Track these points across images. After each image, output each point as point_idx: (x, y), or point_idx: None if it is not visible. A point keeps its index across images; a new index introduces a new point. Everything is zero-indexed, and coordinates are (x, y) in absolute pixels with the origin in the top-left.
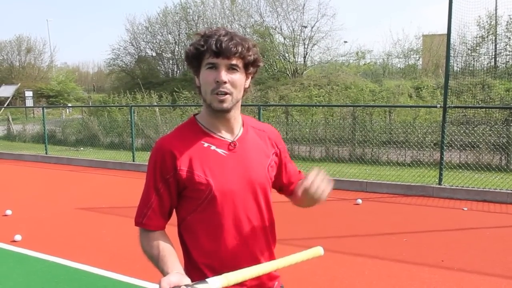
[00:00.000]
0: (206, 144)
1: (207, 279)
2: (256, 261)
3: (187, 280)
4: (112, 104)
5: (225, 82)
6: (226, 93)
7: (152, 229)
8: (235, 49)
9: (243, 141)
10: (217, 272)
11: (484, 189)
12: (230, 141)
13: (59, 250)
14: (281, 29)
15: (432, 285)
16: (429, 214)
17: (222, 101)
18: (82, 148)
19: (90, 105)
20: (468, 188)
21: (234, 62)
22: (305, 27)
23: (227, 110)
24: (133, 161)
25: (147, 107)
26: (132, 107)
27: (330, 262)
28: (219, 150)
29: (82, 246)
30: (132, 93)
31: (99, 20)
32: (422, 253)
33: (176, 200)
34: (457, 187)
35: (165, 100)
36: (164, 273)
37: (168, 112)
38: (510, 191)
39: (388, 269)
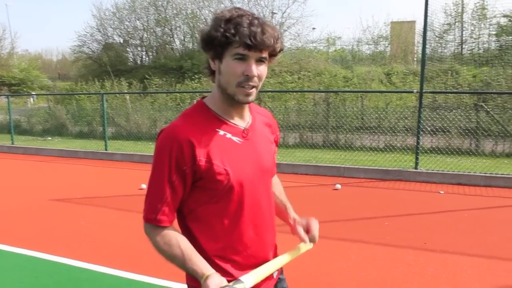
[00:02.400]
0: (222, 132)
1: (240, 278)
2: (267, 249)
3: (225, 280)
4: (82, 92)
5: (254, 76)
6: (253, 87)
7: (167, 225)
8: (268, 42)
9: (253, 129)
10: (231, 262)
11: (459, 173)
12: (243, 129)
13: (36, 243)
14: None
15: (418, 267)
16: (408, 198)
17: (248, 95)
18: (49, 138)
19: (59, 93)
20: (443, 172)
21: (264, 55)
22: (275, 13)
23: (249, 102)
24: (106, 150)
25: (117, 95)
26: (103, 95)
27: (316, 247)
28: (234, 138)
29: (60, 238)
30: (101, 80)
31: (62, 5)
32: (405, 236)
33: (188, 192)
34: (433, 171)
35: (135, 87)
36: (197, 274)
37: (139, 100)
38: (483, 174)
39: (374, 252)
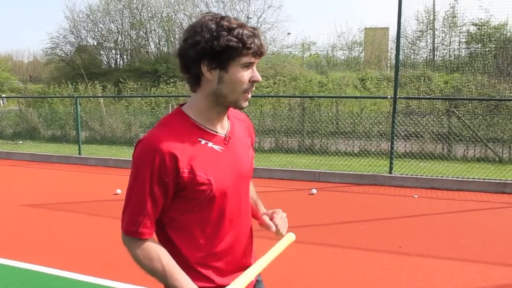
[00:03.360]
0: (203, 142)
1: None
2: (246, 252)
3: None
4: (55, 95)
5: (260, 81)
6: (251, 92)
7: (148, 237)
8: (266, 49)
9: (233, 135)
10: (213, 268)
11: (432, 177)
12: (224, 136)
13: (6, 250)
14: None
15: (393, 271)
16: (383, 202)
17: (248, 100)
18: (20, 142)
19: (31, 95)
20: (417, 176)
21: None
22: (250, 18)
23: (244, 108)
24: (79, 154)
25: (91, 99)
26: (77, 99)
27: (293, 252)
28: (216, 147)
29: (31, 245)
30: (74, 83)
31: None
32: (380, 240)
33: (168, 203)
34: (407, 176)
35: (109, 91)
36: None
37: (113, 104)
38: (456, 178)
39: (350, 257)
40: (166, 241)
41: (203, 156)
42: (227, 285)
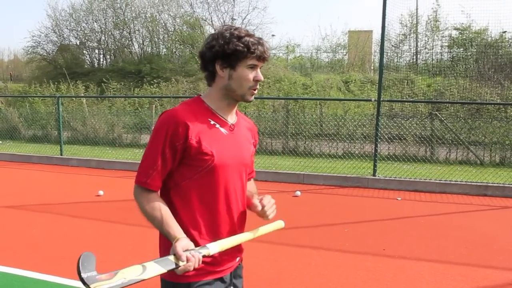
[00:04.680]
0: (212, 122)
1: (207, 245)
2: (235, 228)
3: (192, 245)
4: (37, 95)
5: (262, 80)
6: (256, 89)
7: (154, 189)
8: (269, 56)
9: (238, 126)
10: (204, 234)
11: (415, 180)
12: (230, 124)
13: None
14: (211, 21)
15: (377, 273)
16: (366, 205)
17: (253, 95)
18: (0, 142)
19: (11, 95)
20: (400, 179)
21: (263, 64)
22: (235, 19)
23: (251, 101)
24: (61, 155)
25: (73, 99)
26: (59, 98)
27: (276, 254)
28: (222, 129)
29: (10, 247)
30: (56, 83)
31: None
32: (364, 243)
33: (176, 166)
34: (390, 178)
35: (92, 91)
36: (170, 236)
37: (96, 104)
38: (438, 181)
39: (334, 259)
40: (169, 204)
41: (210, 132)
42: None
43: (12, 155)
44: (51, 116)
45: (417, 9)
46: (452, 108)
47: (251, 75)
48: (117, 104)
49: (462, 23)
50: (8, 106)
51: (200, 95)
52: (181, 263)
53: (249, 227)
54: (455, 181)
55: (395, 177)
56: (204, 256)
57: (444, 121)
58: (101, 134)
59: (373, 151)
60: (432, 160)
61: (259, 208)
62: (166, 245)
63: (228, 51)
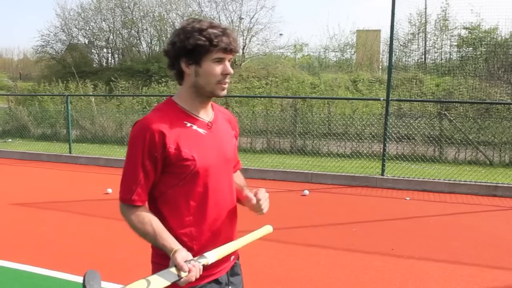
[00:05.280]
0: (188, 124)
1: (205, 254)
2: (228, 230)
3: (190, 255)
4: (46, 93)
5: (231, 74)
6: (227, 83)
7: (140, 205)
8: (238, 47)
9: (216, 123)
10: (195, 240)
11: (424, 179)
12: (208, 122)
13: None
14: (219, 20)
15: (386, 273)
16: (375, 204)
17: (224, 89)
18: (10, 140)
19: (21, 93)
20: (409, 179)
21: (232, 56)
22: (243, 18)
23: (223, 96)
24: (70, 153)
25: (82, 97)
26: (68, 97)
27: (285, 253)
28: (199, 130)
29: (21, 244)
30: (65, 82)
31: (24, 4)
32: (373, 242)
33: (158, 176)
34: (399, 178)
35: (101, 90)
36: (166, 248)
37: (104, 103)
38: (447, 181)
39: (342, 258)
40: (156, 213)
41: (187, 136)
42: (205, 252)
43: (23, 153)
44: (60, 115)
45: (425, 8)
46: (461, 107)
47: (218, 69)
48: (126, 103)
49: (472, 22)
50: (18, 105)
51: (172, 96)
52: (183, 274)
53: (238, 229)
54: (464, 181)
55: (404, 177)
56: (204, 266)
57: (453, 120)
58: (109, 132)
59: (381, 150)
60: (441, 160)
61: (254, 201)
62: (158, 258)
63: (189, 47)
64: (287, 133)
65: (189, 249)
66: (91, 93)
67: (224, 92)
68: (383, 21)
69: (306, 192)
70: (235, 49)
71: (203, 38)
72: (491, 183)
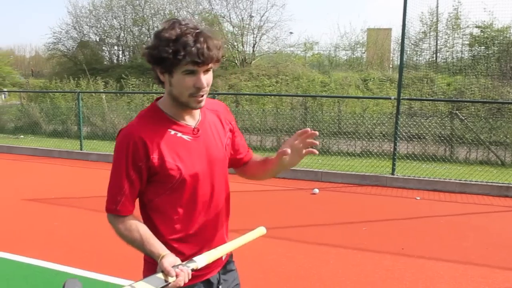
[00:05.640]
0: (172, 132)
1: (194, 258)
2: (219, 234)
3: (179, 260)
4: (57, 90)
5: (204, 87)
6: (203, 95)
7: (126, 215)
8: (213, 55)
9: (203, 125)
10: (185, 244)
11: (434, 179)
12: (193, 127)
13: (8, 245)
14: (230, 18)
15: (396, 272)
16: (385, 203)
17: (200, 102)
18: (22, 136)
19: (33, 90)
20: (419, 178)
21: (210, 66)
22: (252, 16)
23: (201, 107)
24: (81, 149)
25: (93, 94)
26: (79, 94)
27: (294, 252)
28: (184, 137)
29: (33, 240)
30: (76, 79)
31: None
32: (383, 242)
33: (145, 185)
34: (409, 177)
35: (111, 87)
36: (154, 254)
37: (114, 100)
38: (458, 181)
39: (352, 257)
40: (146, 220)
41: (172, 144)
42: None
43: (34, 149)
44: (71, 112)
45: (437, 6)
46: (473, 107)
47: (189, 81)
48: (136, 100)
49: (484, 21)
50: (30, 102)
51: (157, 101)
52: (170, 279)
53: (231, 230)
54: (475, 181)
55: (414, 176)
56: (192, 270)
57: (465, 120)
58: (120, 129)
59: (391, 149)
60: (452, 160)
61: (289, 151)
62: (149, 265)
63: (156, 57)
64: (297, 131)
65: (180, 255)
66: (102, 90)
67: (201, 104)
68: (394, 20)
69: (316, 190)
70: (208, 59)
71: (169, 51)
72: (502, 183)
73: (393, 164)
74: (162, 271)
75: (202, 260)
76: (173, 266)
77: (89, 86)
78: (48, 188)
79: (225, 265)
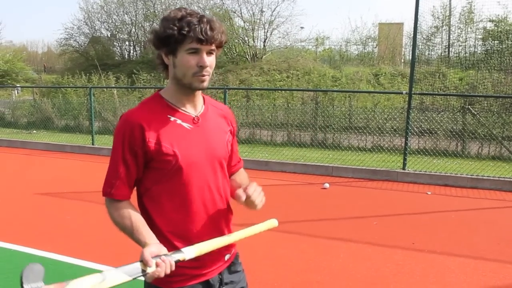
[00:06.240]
0: (172, 118)
1: (182, 249)
2: (216, 228)
3: (165, 250)
4: (70, 85)
5: (207, 66)
6: (206, 75)
7: (120, 199)
8: (217, 36)
9: (205, 117)
10: (181, 238)
11: (446, 174)
12: (194, 116)
13: (21, 238)
14: (241, 13)
15: (406, 267)
16: (395, 198)
17: (203, 81)
18: (34, 131)
19: (45, 85)
20: (430, 173)
21: (213, 47)
22: (263, 11)
23: (204, 88)
24: (93, 144)
25: (104, 89)
26: (91, 89)
27: (305, 246)
28: (184, 124)
29: (46, 233)
30: (88, 74)
31: None
32: (393, 236)
33: (142, 171)
34: (420, 172)
35: (123, 82)
36: (141, 243)
37: (126, 95)
38: (470, 176)
39: (363, 252)
40: (143, 211)
41: (170, 130)
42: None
43: (47, 144)
44: (83, 107)
45: (450, 0)
46: (485, 102)
47: (193, 60)
48: (147, 95)
49: (498, 15)
50: (42, 97)
51: (160, 91)
52: (149, 269)
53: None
54: (487, 176)
55: (425, 171)
56: (178, 261)
57: (477, 115)
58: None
59: (402, 144)
60: (464, 155)
61: (243, 198)
62: None
63: (162, 37)
64: (308, 126)
65: (174, 247)
66: (113, 86)
67: (204, 84)
68: (406, 14)
69: (327, 185)
70: (211, 39)
71: (175, 28)
72: None
73: (404, 159)
74: (141, 261)
75: (190, 251)
76: (155, 256)
77: (101, 81)
78: (61, 182)
79: (230, 266)
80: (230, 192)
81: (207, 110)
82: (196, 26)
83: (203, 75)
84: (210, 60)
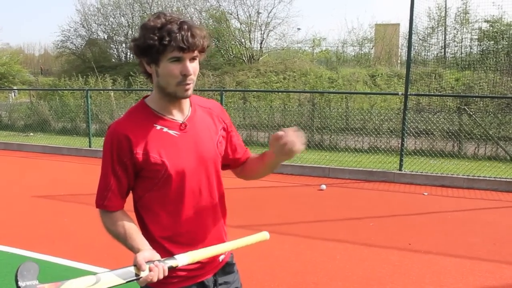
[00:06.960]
0: (158, 127)
1: (175, 256)
2: (209, 232)
3: (158, 256)
4: (66, 88)
5: (191, 74)
6: (190, 83)
7: (114, 210)
8: (198, 42)
9: (192, 121)
10: (175, 244)
11: (442, 175)
12: (181, 122)
13: (18, 240)
14: (237, 14)
15: (403, 267)
16: (392, 199)
17: (187, 90)
18: (31, 134)
19: (42, 88)
20: (427, 174)
21: (195, 54)
22: (260, 13)
23: (188, 97)
24: (90, 147)
25: (101, 92)
26: (88, 91)
27: (302, 247)
28: (171, 132)
29: (43, 236)
30: (84, 76)
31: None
32: (390, 237)
33: (133, 181)
34: (417, 173)
35: (120, 84)
36: (134, 249)
37: (123, 97)
38: (466, 177)
39: (359, 253)
40: (138, 219)
41: (157, 139)
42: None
43: (44, 147)
44: (80, 109)
45: (445, 1)
46: (481, 102)
47: (176, 69)
48: None
49: (493, 15)
50: (39, 99)
51: (145, 98)
52: (142, 274)
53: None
54: (483, 176)
55: (422, 172)
56: (171, 268)
57: (473, 115)
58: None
59: (399, 145)
60: (460, 155)
61: (281, 133)
62: None
63: (142, 47)
64: (304, 128)
65: (168, 253)
66: (110, 88)
67: (188, 93)
68: (402, 15)
69: (324, 186)
70: (193, 46)
71: (155, 38)
72: (511, 179)
73: (401, 160)
74: (135, 265)
75: (184, 258)
76: (148, 261)
77: (98, 83)
78: (58, 185)
79: (224, 267)
80: (254, 162)
81: (195, 112)
82: (177, 34)
83: (187, 83)
84: (193, 67)
